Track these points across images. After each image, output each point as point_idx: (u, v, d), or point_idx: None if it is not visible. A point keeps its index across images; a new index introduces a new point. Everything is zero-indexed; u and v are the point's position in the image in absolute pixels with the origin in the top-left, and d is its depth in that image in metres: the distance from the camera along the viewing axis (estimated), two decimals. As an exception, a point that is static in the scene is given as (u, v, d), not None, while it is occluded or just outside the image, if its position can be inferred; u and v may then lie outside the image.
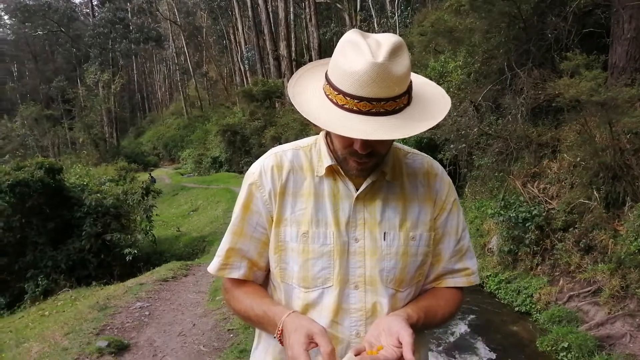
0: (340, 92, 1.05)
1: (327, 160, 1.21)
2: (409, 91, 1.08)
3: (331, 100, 1.07)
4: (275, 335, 1.12)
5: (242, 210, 1.25)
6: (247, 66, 40.61)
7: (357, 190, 1.20)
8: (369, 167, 1.16)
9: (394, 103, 1.04)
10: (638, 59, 6.97)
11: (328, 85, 1.09)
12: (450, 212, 1.27)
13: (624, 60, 7.09)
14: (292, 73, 25.92)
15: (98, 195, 11.24)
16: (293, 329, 1.07)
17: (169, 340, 5.05)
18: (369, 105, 1.03)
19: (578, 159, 6.78)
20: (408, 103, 1.09)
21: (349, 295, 1.18)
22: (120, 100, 50.68)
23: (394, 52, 1.02)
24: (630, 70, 6.89)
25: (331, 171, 1.21)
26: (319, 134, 1.29)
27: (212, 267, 1.28)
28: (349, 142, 1.11)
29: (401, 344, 1.03)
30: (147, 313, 5.91)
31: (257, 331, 1.35)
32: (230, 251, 1.26)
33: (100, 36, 46.31)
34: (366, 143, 1.08)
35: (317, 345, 1.03)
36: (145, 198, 13.38)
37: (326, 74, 1.11)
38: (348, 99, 1.04)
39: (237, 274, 1.26)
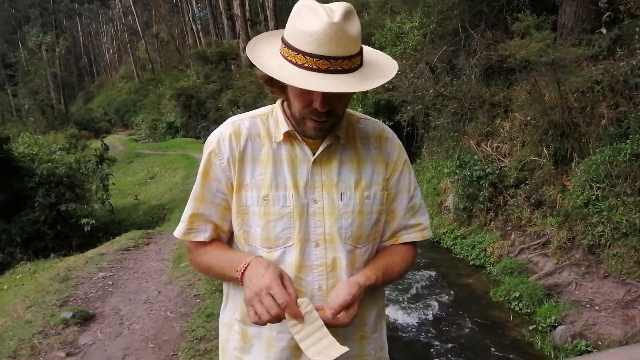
0: (299, 52, 1.10)
1: (284, 127, 1.26)
2: (361, 53, 1.16)
3: (290, 61, 1.12)
4: (238, 269, 1.18)
5: (202, 177, 1.30)
6: (199, 26, 39.36)
7: (314, 154, 1.26)
8: (325, 128, 1.22)
9: (350, 62, 1.11)
10: (585, 19, 7.17)
11: (286, 48, 1.13)
12: (402, 172, 1.36)
13: (572, 21, 7.29)
14: (246, 33, 25.36)
15: (49, 164, 10.84)
16: (265, 266, 1.15)
17: (135, 309, 5.07)
18: (327, 64, 1.09)
19: (529, 117, 7.04)
20: (361, 64, 1.16)
21: (310, 253, 1.25)
22: (66, 64, 48.44)
23: (347, 15, 1.10)
24: (578, 31, 7.09)
25: (288, 137, 1.27)
26: (276, 100, 1.34)
27: (178, 231, 1.33)
28: (308, 101, 1.16)
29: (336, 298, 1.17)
30: (110, 283, 5.88)
31: (225, 291, 1.40)
32: (193, 216, 1.31)
33: (40, -5, 43.64)
34: (325, 100, 1.14)
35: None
36: (100, 166, 13.02)
37: (283, 38, 1.16)
38: (307, 57, 1.09)
39: (202, 236, 1.32)
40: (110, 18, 58.93)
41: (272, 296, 1.09)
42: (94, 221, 10.54)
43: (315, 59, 1.08)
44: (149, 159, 22.05)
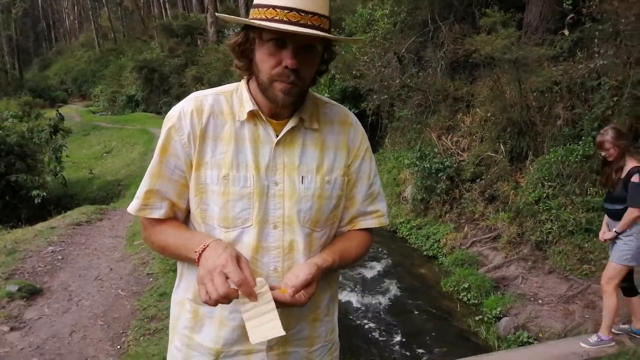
0: (269, 6, 1.12)
1: (249, 105, 1.24)
2: (329, 20, 1.19)
3: (261, 18, 1.14)
4: (196, 250, 1.15)
5: (160, 153, 1.26)
6: (166, -2, 38.16)
7: (277, 136, 1.26)
8: (294, 93, 1.20)
9: (319, 19, 1.15)
10: (550, 19, 7.35)
11: (256, 9, 1.15)
12: (363, 159, 1.37)
13: (537, 20, 7.46)
14: (215, 8, 24.79)
15: (0, 132, 10.40)
16: (223, 247, 1.14)
17: (85, 285, 4.96)
18: (298, 16, 1.12)
19: (489, 114, 7.20)
20: (328, 31, 1.19)
21: (268, 234, 1.25)
22: (22, 27, 46.23)
23: None
24: (542, 31, 7.26)
25: (252, 116, 1.25)
26: (242, 78, 1.32)
27: (132, 207, 1.29)
28: (278, 60, 1.16)
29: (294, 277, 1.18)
30: (60, 257, 5.72)
31: (179, 270, 1.38)
32: (149, 192, 1.27)
33: (-4, -48, 41.25)
34: (295, 58, 1.15)
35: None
36: (54, 137, 12.57)
37: (253, 4, 1.18)
38: (278, 10, 1.12)
39: (157, 213, 1.28)
40: (71, -19, 56.50)
41: (226, 275, 1.08)
42: (45, 193, 10.21)
43: (286, 11, 1.11)
44: (107, 132, 21.38)
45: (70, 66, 47.53)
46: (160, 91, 26.68)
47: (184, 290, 1.35)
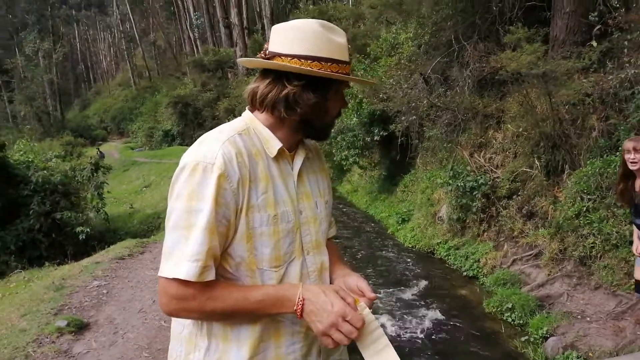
0: (334, 60, 1.27)
1: (276, 143, 1.29)
2: None
3: (337, 72, 1.27)
4: (295, 307, 1.18)
5: (213, 205, 1.16)
6: (196, 34, 39.43)
7: (291, 167, 1.35)
8: None
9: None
10: (577, 32, 7.27)
11: (316, 62, 1.25)
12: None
13: (563, 34, 7.39)
14: (244, 42, 25.51)
15: (45, 172, 10.88)
16: (322, 292, 1.20)
17: (129, 317, 5.09)
18: (348, 68, 1.32)
19: (520, 129, 7.12)
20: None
21: (306, 261, 1.32)
22: (62, 71, 48.48)
23: None
24: (569, 43, 7.19)
25: (278, 152, 1.31)
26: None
27: (190, 273, 1.14)
28: (343, 104, 1.37)
29: (361, 291, 1.31)
30: (105, 291, 5.89)
31: (205, 331, 1.27)
32: (209, 252, 1.16)
33: (38, 1, 43.66)
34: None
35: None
36: (95, 174, 13.04)
37: (302, 55, 1.25)
38: (341, 65, 1.29)
39: (212, 275, 1.19)
40: (107, 25, 59.10)
41: (348, 322, 1.15)
42: (88, 229, 10.55)
43: (345, 65, 1.29)
44: (145, 167, 22.05)
45: (109, 105, 49.44)
46: (194, 125, 27.40)
47: (228, 353, 1.26)
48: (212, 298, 1.18)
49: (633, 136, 5.30)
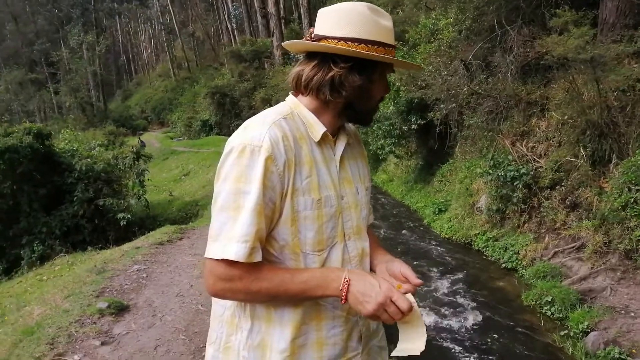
0: (380, 43, 1.25)
1: (320, 127, 1.29)
2: None
3: (381, 53, 1.26)
4: (341, 287, 1.19)
5: (261, 187, 1.16)
6: (234, 25, 39.82)
7: (334, 153, 1.35)
8: None
9: None
10: (628, 14, 6.90)
11: (362, 44, 1.23)
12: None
13: (614, 16, 7.03)
14: (280, 32, 25.55)
15: (88, 160, 11.23)
16: (365, 273, 1.25)
17: (168, 301, 5.20)
18: (394, 51, 1.30)
19: (566, 117, 6.84)
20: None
21: (348, 246, 1.33)
22: (105, 63, 49.85)
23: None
24: (620, 26, 6.83)
25: (322, 137, 1.30)
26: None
27: (239, 253, 1.15)
28: (386, 88, 1.35)
29: (405, 277, 1.30)
30: (144, 275, 6.04)
31: (248, 313, 1.28)
32: (257, 233, 1.17)
33: (82, -5, 44.97)
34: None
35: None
36: (136, 163, 13.37)
37: (350, 37, 1.24)
38: (387, 48, 1.27)
39: (259, 256, 1.19)
40: (148, 17, 60.21)
41: (394, 302, 1.17)
42: (129, 216, 10.84)
43: (391, 48, 1.28)
44: (184, 156, 22.45)
45: (149, 96, 50.57)
46: (232, 115, 27.68)
47: (271, 335, 1.26)
48: (258, 279, 1.19)
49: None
